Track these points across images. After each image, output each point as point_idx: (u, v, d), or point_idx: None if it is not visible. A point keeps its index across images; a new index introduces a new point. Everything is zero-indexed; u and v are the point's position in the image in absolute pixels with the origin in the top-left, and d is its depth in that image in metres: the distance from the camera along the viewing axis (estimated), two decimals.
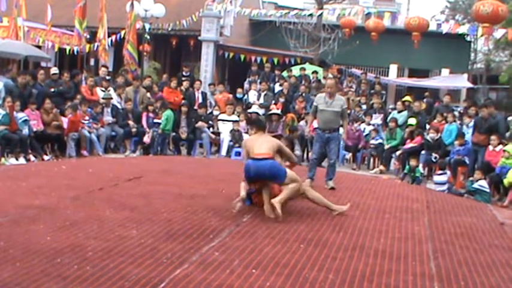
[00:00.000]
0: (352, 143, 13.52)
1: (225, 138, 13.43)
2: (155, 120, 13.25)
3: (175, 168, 8.91)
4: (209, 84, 16.97)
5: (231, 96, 15.81)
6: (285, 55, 20.70)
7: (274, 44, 21.52)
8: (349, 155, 13.89)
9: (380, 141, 13.28)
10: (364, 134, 13.74)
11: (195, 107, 14.40)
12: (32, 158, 11.25)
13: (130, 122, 13.29)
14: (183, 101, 14.46)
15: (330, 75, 16.19)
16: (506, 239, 5.99)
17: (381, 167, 12.99)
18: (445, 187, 10.71)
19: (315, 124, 8.78)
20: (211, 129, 13.79)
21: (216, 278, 4.08)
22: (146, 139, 13.04)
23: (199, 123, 13.46)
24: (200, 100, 15.06)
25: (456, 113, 14.70)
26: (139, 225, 5.27)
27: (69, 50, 18.15)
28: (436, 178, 11.07)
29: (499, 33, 15.03)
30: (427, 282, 4.39)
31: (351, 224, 6.02)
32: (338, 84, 16.27)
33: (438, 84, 22.90)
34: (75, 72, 14.20)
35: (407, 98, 15.33)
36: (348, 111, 15.07)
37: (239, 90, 16.28)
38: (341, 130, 8.72)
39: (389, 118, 13.93)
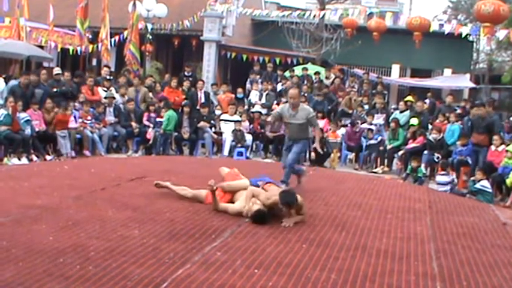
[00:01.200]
0: (354, 143, 13.52)
1: (227, 138, 13.44)
2: (157, 119, 13.27)
3: (177, 168, 8.91)
4: (212, 84, 16.99)
5: (233, 96, 15.83)
6: (287, 55, 20.72)
7: (276, 44, 21.53)
8: (351, 155, 13.87)
9: (379, 138, 13.27)
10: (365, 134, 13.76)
11: (198, 107, 14.42)
12: (34, 158, 11.28)
13: (133, 123, 13.31)
14: (184, 101, 14.48)
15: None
16: (508, 239, 5.98)
17: (382, 167, 13.00)
18: (447, 187, 10.70)
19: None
20: (213, 129, 13.80)
21: (218, 278, 4.08)
22: (149, 134, 13.07)
23: (201, 123, 13.47)
24: (203, 100, 15.08)
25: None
26: (142, 225, 5.27)
27: (72, 50, 18.17)
28: (439, 178, 11.06)
29: (501, 33, 15.02)
30: (429, 282, 4.39)
31: (353, 224, 6.01)
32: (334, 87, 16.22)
33: (440, 84, 22.90)
34: (78, 74, 14.25)
35: (409, 98, 15.33)
36: (350, 111, 15.19)
37: (239, 90, 16.27)
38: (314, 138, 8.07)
39: (391, 118, 13.93)
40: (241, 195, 6.06)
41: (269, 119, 8.42)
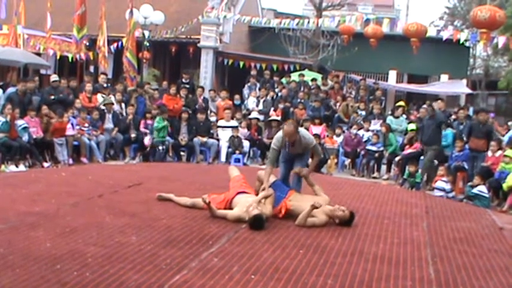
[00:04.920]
0: (350, 148, 13.53)
1: (224, 144, 13.44)
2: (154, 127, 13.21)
3: (174, 175, 8.93)
4: (209, 90, 17.03)
5: (232, 103, 15.82)
6: (284, 62, 20.78)
7: (273, 51, 21.60)
8: (348, 161, 13.87)
9: (382, 148, 13.27)
10: (364, 140, 13.74)
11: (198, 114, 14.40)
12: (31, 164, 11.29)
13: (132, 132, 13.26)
14: (183, 108, 14.47)
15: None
16: (505, 244, 6.00)
17: (378, 173, 13.04)
18: (442, 193, 10.71)
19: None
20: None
21: (215, 284, 4.09)
22: (147, 142, 13.04)
23: (210, 142, 13.44)
24: (203, 106, 15.09)
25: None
26: (139, 231, 5.28)
27: (72, 58, 18.19)
28: (438, 184, 11.06)
29: (500, 40, 15.09)
30: (426, 287, 4.40)
31: (350, 229, 6.03)
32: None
33: (437, 90, 22.99)
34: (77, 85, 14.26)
35: (401, 103, 15.41)
36: (346, 120, 15.18)
37: (237, 96, 16.30)
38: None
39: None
40: (239, 201, 6.09)
41: (267, 168, 6.86)
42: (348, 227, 6.10)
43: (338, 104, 15.97)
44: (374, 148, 13.30)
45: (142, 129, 13.37)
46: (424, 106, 16.07)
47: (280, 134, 6.86)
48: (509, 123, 15.49)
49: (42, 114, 12.11)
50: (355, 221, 6.33)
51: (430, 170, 11.86)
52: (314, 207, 5.99)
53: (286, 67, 20.54)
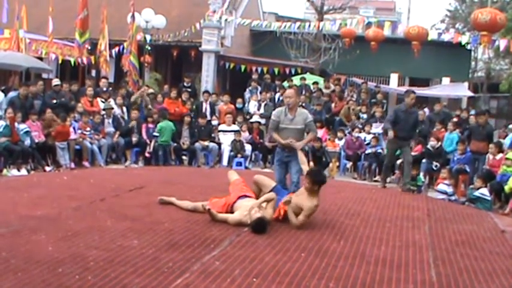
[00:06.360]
0: (352, 152, 13.52)
1: (226, 148, 13.45)
2: (154, 133, 13.18)
3: (176, 179, 8.93)
4: (211, 94, 17.02)
5: (234, 106, 15.83)
6: (285, 65, 20.76)
7: (274, 54, 21.57)
8: (349, 164, 13.86)
9: (380, 150, 13.26)
10: (366, 143, 13.74)
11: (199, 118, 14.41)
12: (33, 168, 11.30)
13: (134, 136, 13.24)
14: (187, 112, 14.47)
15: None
16: (507, 247, 6.00)
17: (378, 177, 13.03)
18: (444, 196, 10.70)
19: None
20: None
21: (217, 287, 4.10)
22: (148, 151, 13.03)
23: (211, 146, 13.45)
24: (208, 111, 15.10)
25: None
26: (141, 235, 5.29)
27: (74, 62, 18.22)
28: (440, 187, 11.05)
29: (501, 43, 15.09)
30: None
31: (351, 232, 6.03)
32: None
33: (439, 93, 22.95)
34: (78, 88, 14.26)
35: None
36: (347, 123, 15.19)
37: (239, 100, 16.30)
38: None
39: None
40: (241, 205, 6.10)
41: (269, 131, 7.38)
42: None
43: (334, 105, 15.96)
44: (372, 151, 13.29)
45: (144, 135, 13.30)
46: (426, 109, 16.10)
47: (277, 109, 7.23)
48: (510, 126, 15.46)
49: (47, 118, 12.13)
50: (357, 224, 6.34)
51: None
52: (288, 202, 6.07)
53: (287, 71, 20.53)
